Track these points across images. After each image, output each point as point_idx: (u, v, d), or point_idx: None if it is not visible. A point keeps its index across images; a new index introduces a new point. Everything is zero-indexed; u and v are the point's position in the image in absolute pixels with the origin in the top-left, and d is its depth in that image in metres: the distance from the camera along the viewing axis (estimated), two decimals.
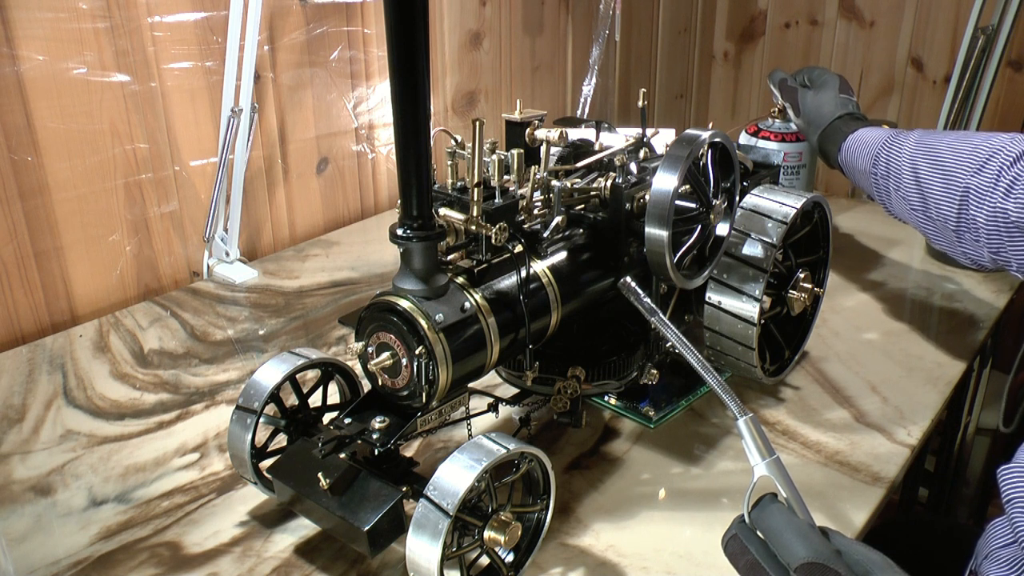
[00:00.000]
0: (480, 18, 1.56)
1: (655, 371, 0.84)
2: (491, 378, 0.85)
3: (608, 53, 1.85)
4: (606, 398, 0.90)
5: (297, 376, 0.74)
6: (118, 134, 1.11)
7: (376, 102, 1.43)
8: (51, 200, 1.06)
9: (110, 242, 1.14)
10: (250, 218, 1.30)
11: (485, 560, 0.66)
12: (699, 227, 0.76)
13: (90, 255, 1.12)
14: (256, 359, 1.01)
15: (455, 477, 0.59)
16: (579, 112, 1.82)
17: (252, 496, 0.77)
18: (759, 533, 0.54)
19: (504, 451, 0.61)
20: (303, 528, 0.73)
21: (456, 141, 0.71)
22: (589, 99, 1.82)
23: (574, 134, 0.85)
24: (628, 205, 0.76)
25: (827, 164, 1.10)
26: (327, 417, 0.76)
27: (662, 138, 0.87)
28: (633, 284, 0.64)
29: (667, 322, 0.61)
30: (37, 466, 0.82)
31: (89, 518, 0.75)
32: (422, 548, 0.58)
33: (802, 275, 0.89)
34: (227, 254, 1.23)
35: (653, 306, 0.62)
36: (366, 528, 0.61)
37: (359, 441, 0.67)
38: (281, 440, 0.75)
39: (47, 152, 1.05)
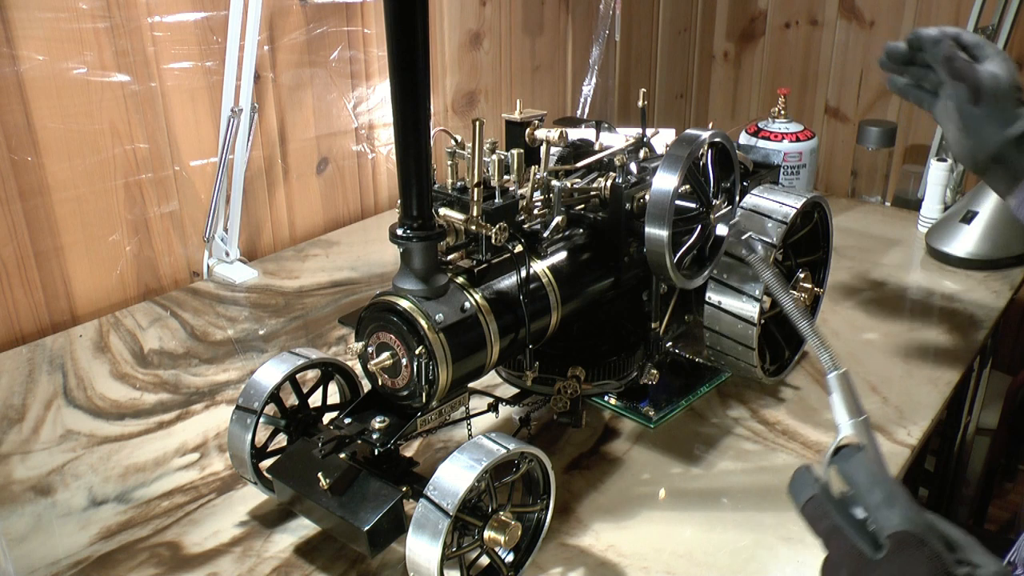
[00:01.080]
0: (480, 18, 1.56)
1: (655, 371, 0.84)
2: (491, 378, 0.85)
3: (608, 53, 1.85)
4: (606, 398, 0.90)
5: (297, 376, 0.74)
6: (118, 134, 1.11)
7: (376, 102, 1.43)
8: (51, 200, 1.06)
9: (110, 242, 1.14)
10: (250, 218, 1.30)
11: (485, 560, 0.66)
12: (699, 227, 0.76)
13: (90, 255, 1.12)
14: (256, 359, 1.01)
15: (455, 477, 0.59)
16: (579, 112, 1.82)
17: (252, 496, 0.77)
18: (840, 482, 0.50)
19: (504, 451, 0.61)
20: (303, 528, 0.73)
21: (456, 141, 0.71)
22: (589, 99, 1.82)
23: (574, 134, 0.85)
24: (628, 205, 0.76)
25: (977, 173, 0.84)
26: (327, 417, 0.76)
27: (662, 138, 0.87)
28: (755, 239, 0.62)
29: (776, 279, 0.59)
30: (37, 466, 0.82)
31: (89, 518, 0.75)
32: (422, 548, 0.58)
33: (802, 275, 0.89)
34: (227, 254, 1.23)
35: (765, 261, 0.60)
36: (366, 528, 0.62)
37: (359, 441, 0.67)
38: (281, 440, 0.75)
39: (47, 152, 1.05)
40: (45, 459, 0.83)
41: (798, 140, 1.22)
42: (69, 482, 0.80)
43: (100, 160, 1.10)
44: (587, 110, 1.82)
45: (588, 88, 1.81)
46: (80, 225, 1.10)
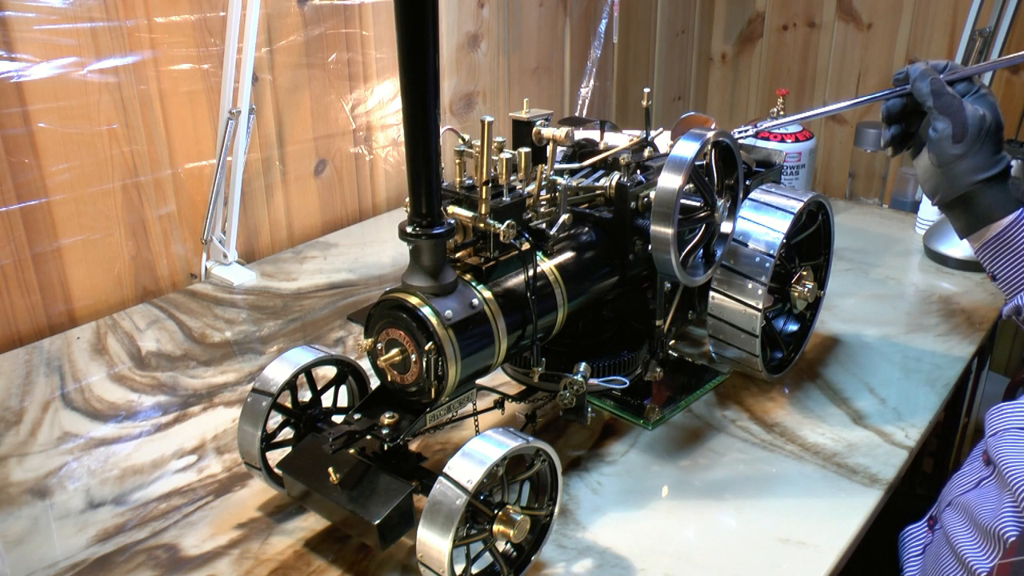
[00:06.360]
0: (478, 20, 1.56)
1: (659, 369, 0.84)
2: (496, 375, 0.85)
3: (606, 55, 1.86)
4: (605, 398, 0.90)
5: (311, 371, 0.75)
6: (116, 136, 1.10)
7: (374, 104, 1.43)
8: (49, 202, 1.06)
9: (108, 244, 1.13)
10: (248, 220, 1.30)
11: (487, 560, 0.65)
12: (703, 225, 0.76)
13: (88, 257, 1.12)
14: (254, 361, 1.00)
15: (475, 459, 0.59)
16: (577, 114, 1.82)
17: (250, 498, 0.77)
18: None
19: (524, 442, 0.61)
20: (301, 530, 0.73)
21: (464, 140, 0.71)
22: (587, 101, 1.82)
23: (578, 134, 0.85)
24: (633, 203, 0.76)
25: (941, 209, 0.84)
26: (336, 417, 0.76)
27: (664, 138, 0.88)
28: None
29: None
30: (34, 468, 0.81)
31: (86, 520, 0.74)
32: (436, 526, 0.58)
33: (804, 272, 0.89)
34: (225, 256, 1.22)
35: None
36: (376, 522, 0.62)
37: (368, 436, 0.67)
38: (282, 437, 0.75)
39: (44, 154, 1.04)
40: (42, 461, 0.82)
41: (797, 140, 1.23)
42: (66, 484, 0.79)
43: (98, 162, 1.09)
44: (585, 112, 1.83)
45: (586, 90, 1.81)
46: (78, 227, 1.10)
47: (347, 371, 0.77)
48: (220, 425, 0.88)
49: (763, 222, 0.82)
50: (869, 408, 0.90)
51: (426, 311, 0.63)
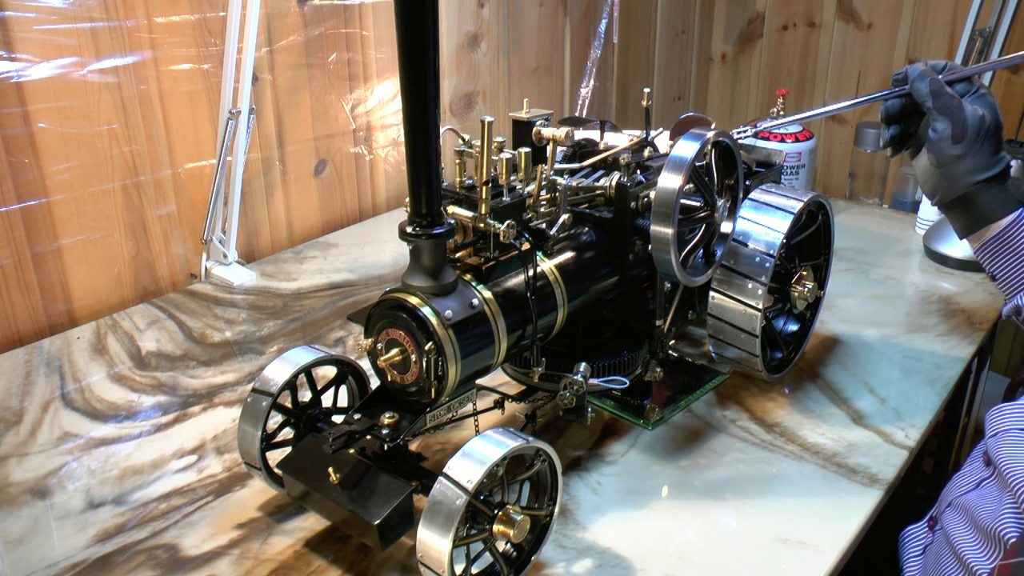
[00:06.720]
0: (478, 20, 1.56)
1: (659, 369, 0.84)
2: (496, 375, 0.85)
3: (606, 55, 1.86)
4: (604, 398, 0.90)
5: (311, 371, 0.75)
6: (116, 136, 1.10)
7: (374, 104, 1.43)
8: (49, 202, 1.06)
9: (108, 244, 1.13)
10: (248, 220, 1.30)
11: (487, 560, 0.65)
12: (703, 225, 0.76)
13: (88, 257, 1.12)
14: (254, 361, 1.00)
15: (475, 459, 0.59)
16: (577, 114, 1.82)
17: (250, 498, 0.77)
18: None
19: (524, 442, 0.61)
20: (301, 530, 0.73)
21: (464, 140, 0.71)
22: (587, 101, 1.82)
23: (578, 134, 0.85)
24: (633, 204, 0.76)
25: (941, 209, 0.84)
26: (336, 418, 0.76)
27: (664, 138, 0.88)
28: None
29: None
30: (34, 468, 0.81)
31: (86, 520, 0.74)
32: (436, 526, 0.58)
33: (804, 272, 0.89)
34: (225, 256, 1.22)
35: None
36: (376, 522, 0.62)
37: (368, 436, 0.67)
38: (283, 437, 0.75)
39: (45, 154, 1.04)
40: (42, 461, 0.82)
41: (797, 141, 1.23)
42: (66, 484, 0.79)
43: (98, 162, 1.09)
44: (585, 112, 1.83)
45: (586, 90, 1.81)
46: (78, 227, 1.10)
47: (347, 371, 0.78)
48: (220, 425, 0.88)
49: (763, 222, 0.83)
50: (869, 408, 0.90)
51: (426, 311, 0.63)
